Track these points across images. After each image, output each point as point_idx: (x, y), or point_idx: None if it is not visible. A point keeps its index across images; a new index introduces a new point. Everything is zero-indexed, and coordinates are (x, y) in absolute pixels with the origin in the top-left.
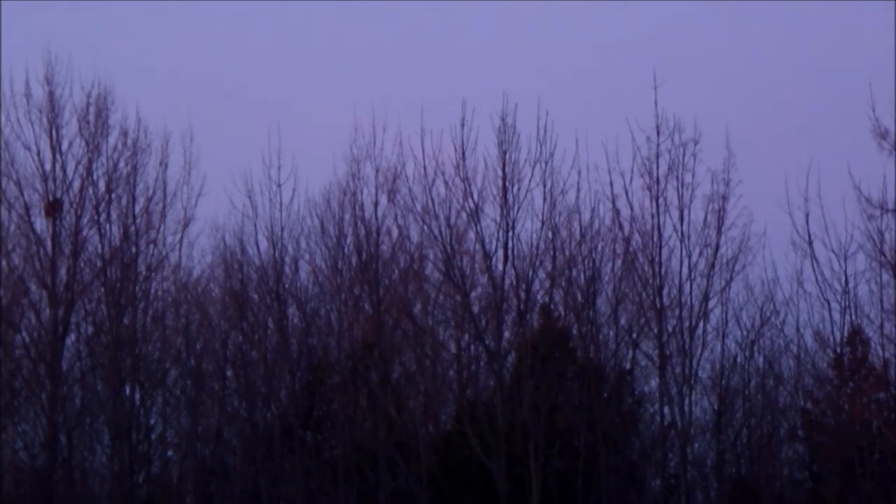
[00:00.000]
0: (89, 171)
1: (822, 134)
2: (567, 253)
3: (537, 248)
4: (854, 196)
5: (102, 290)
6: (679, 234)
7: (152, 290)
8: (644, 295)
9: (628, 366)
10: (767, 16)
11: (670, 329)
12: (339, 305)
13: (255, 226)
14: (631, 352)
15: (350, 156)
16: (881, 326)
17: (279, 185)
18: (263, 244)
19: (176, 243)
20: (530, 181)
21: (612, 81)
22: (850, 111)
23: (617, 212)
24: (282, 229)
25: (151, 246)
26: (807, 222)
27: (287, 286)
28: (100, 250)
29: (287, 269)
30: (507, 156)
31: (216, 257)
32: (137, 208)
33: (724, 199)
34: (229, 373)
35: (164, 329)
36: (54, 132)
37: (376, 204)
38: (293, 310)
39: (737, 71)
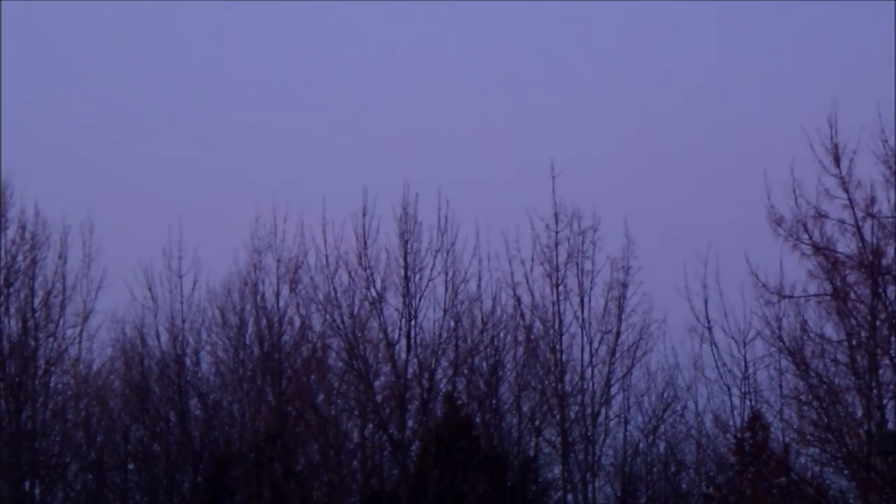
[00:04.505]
0: None
1: (720, 221)
2: (469, 341)
3: (440, 336)
4: (752, 282)
5: (1, 384)
6: (580, 321)
7: (52, 384)
8: (546, 382)
9: (532, 453)
10: (662, 103)
11: (573, 416)
12: (241, 396)
13: (156, 318)
14: (534, 439)
15: (251, 246)
16: (781, 411)
17: (180, 277)
18: (164, 336)
19: (76, 336)
20: (432, 270)
21: (511, 171)
22: (746, 198)
23: (518, 300)
24: (183, 321)
25: (51, 339)
26: (706, 308)
27: (188, 378)
28: None
29: (188, 361)
30: (409, 245)
31: (116, 350)
32: (36, 302)
33: (624, 286)
34: (131, 466)
35: (64, 423)
36: None
37: (278, 294)
38: (195, 402)
39: (634, 158)
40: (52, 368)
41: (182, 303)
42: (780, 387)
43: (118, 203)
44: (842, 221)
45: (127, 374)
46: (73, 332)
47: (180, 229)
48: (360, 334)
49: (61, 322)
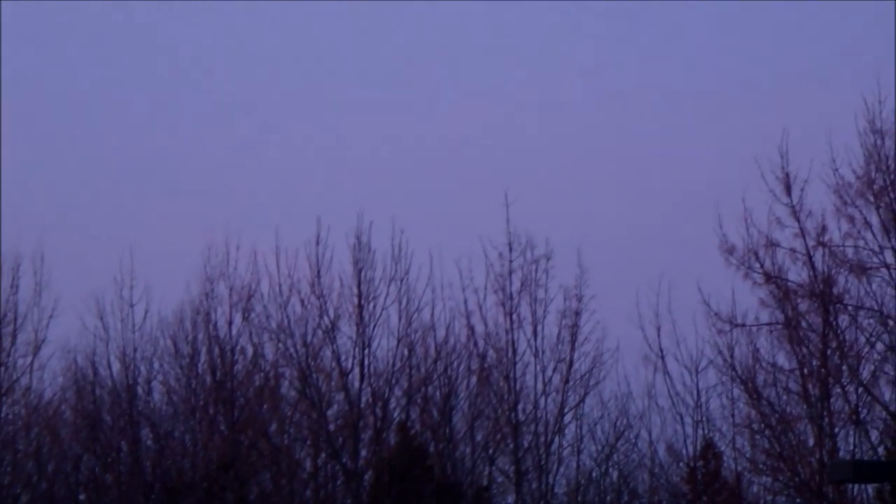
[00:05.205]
0: None
1: (672, 250)
2: (423, 370)
3: (393, 365)
4: (704, 311)
5: None
6: (533, 349)
7: (3, 414)
8: (500, 411)
9: (485, 482)
10: (614, 132)
11: (526, 445)
12: (193, 426)
13: (108, 347)
14: (488, 468)
15: (203, 275)
16: (733, 440)
17: (131, 306)
18: (116, 365)
19: (27, 366)
20: (386, 299)
21: (465, 200)
22: (698, 227)
23: (471, 328)
24: (134, 350)
25: (2, 369)
26: (658, 337)
27: (140, 408)
28: None
29: (140, 391)
30: (363, 274)
31: (68, 379)
32: None
33: (577, 314)
34: (82, 497)
35: (14, 453)
36: None
37: (230, 323)
38: (147, 431)
39: (587, 187)
40: (3, 398)
41: (134, 332)
42: (733, 415)
43: (70, 232)
44: (793, 250)
45: (78, 403)
46: (25, 361)
47: (132, 258)
48: (313, 363)
49: (12, 351)
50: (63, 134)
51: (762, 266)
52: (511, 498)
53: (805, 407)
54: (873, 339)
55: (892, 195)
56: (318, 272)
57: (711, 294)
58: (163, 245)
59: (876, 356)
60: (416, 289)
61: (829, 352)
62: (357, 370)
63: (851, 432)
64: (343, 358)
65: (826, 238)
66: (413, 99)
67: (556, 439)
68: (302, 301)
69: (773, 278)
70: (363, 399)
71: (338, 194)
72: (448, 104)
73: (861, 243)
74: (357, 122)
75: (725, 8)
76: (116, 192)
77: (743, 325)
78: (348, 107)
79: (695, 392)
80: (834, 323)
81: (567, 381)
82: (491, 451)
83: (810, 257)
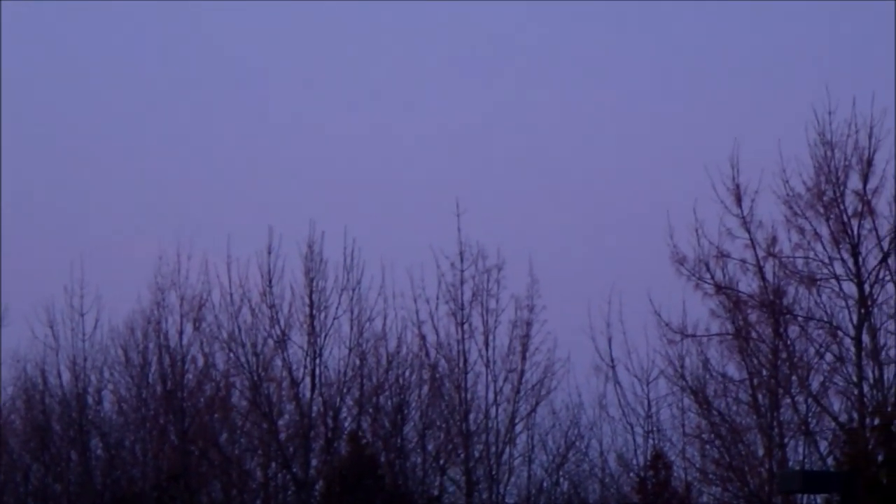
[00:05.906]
0: None
1: (623, 260)
2: (374, 380)
3: (345, 375)
4: (655, 321)
5: None
6: (484, 359)
7: None
8: (451, 421)
9: (437, 492)
10: (564, 141)
11: (477, 454)
12: (143, 435)
13: (58, 356)
14: (439, 478)
15: (154, 284)
16: (683, 450)
17: (82, 315)
18: (66, 375)
19: None
20: (337, 308)
21: (416, 209)
22: (649, 238)
23: (423, 338)
24: (85, 359)
25: None
26: (609, 347)
27: (90, 417)
28: None
29: (90, 400)
30: (314, 283)
31: (18, 389)
32: None
33: (529, 324)
34: None
35: None
36: None
37: (181, 332)
38: (97, 441)
39: (538, 197)
40: None
41: (84, 341)
42: (683, 425)
43: (19, 240)
44: (743, 261)
45: (28, 413)
46: None
47: (82, 267)
48: (264, 373)
49: None
50: (10, 140)
51: (713, 277)
52: None
53: (755, 417)
54: (823, 350)
55: (841, 207)
56: (270, 281)
57: (662, 304)
58: (113, 254)
59: (825, 367)
60: (367, 298)
61: (778, 362)
62: (308, 380)
63: (801, 443)
64: (294, 367)
65: (776, 249)
66: (363, 108)
67: (507, 449)
68: (253, 310)
69: (724, 289)
70: (314, 409)
71: (290, 204)
72: (399, 113)
73: (811, 254)
74: (308, 132)
75: (676, 16)
76: (66, 200)
77: (693, 336)
78: (299, 116)
79: (645, 402)
80: (784, 334)
81: (518, 392)
82: (442, 461)
83: (761, 268)
